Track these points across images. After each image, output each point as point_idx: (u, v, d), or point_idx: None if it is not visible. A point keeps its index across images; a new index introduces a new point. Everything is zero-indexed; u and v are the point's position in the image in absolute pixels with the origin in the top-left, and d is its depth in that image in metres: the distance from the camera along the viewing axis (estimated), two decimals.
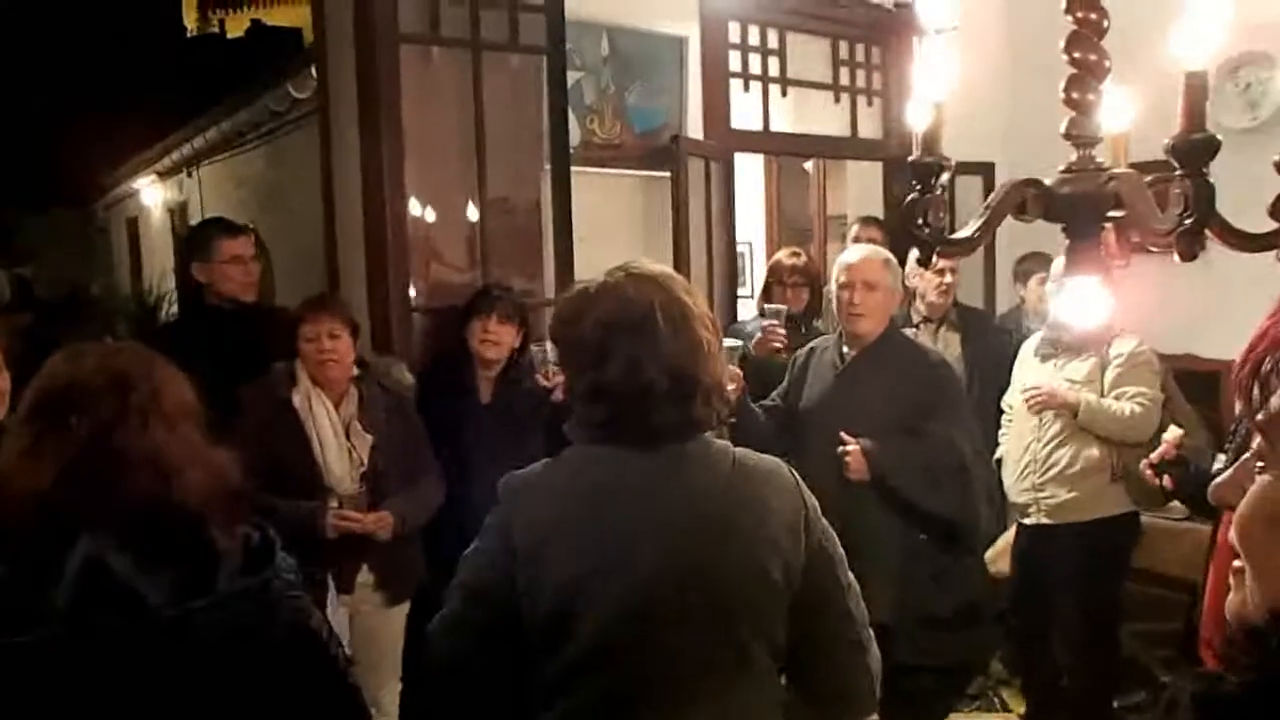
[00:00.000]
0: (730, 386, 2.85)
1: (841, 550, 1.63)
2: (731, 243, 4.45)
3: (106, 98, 10.10)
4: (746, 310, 4.60)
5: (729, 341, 3.07)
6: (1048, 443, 3.50)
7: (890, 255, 3.18)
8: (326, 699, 1.46)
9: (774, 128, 4.69)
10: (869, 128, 5.01)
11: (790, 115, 4.99)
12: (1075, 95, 1.48)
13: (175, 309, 7.81)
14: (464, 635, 1.54)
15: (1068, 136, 1.50)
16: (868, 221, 4.57)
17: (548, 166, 3.77)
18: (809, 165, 6.52)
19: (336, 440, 2.93)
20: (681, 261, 3.88)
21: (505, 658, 1.52)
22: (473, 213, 3.71)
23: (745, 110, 4.53)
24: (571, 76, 3.86)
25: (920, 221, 1.43)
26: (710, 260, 4.17)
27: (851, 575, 1.64)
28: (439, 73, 3.66)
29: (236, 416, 2.82)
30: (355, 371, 3.03)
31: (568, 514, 1.52)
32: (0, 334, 2.42)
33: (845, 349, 3.13)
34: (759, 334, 3.53)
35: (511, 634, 1.50)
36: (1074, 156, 1.50)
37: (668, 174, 4.00)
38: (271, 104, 7.00)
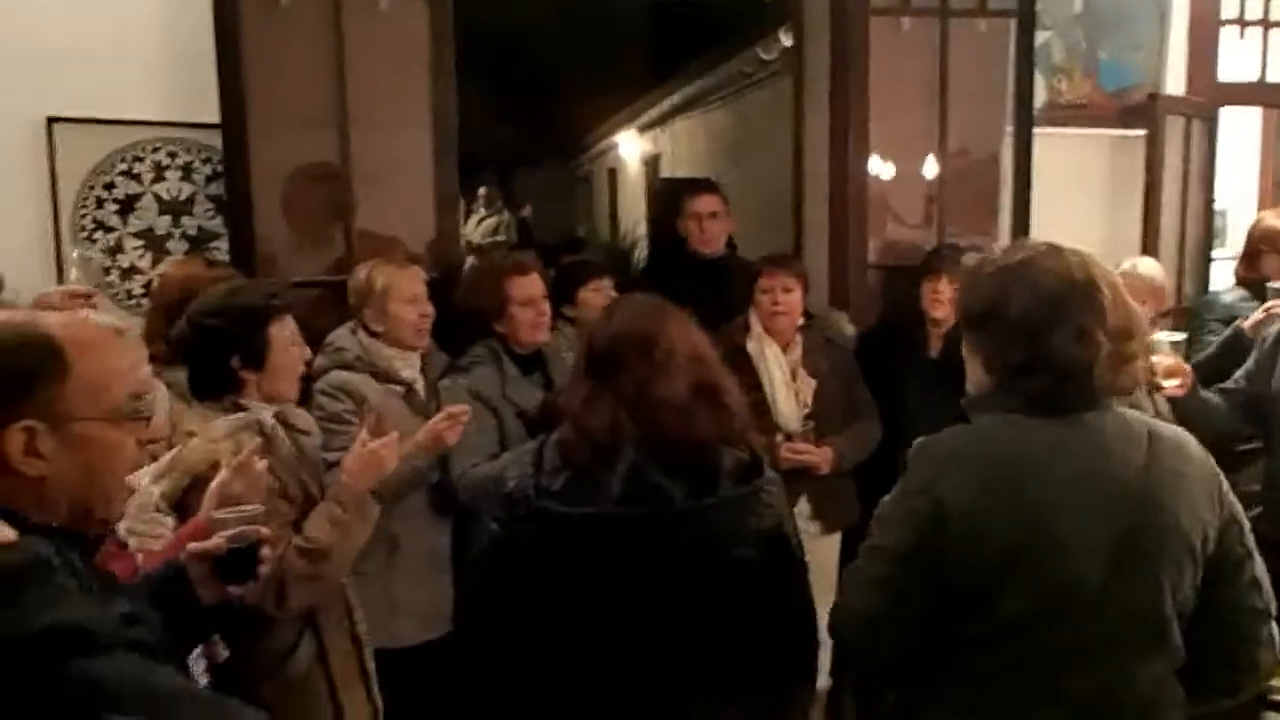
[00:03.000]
0: (1173, 382, 2.80)
1: (1246, 519, 1.63)
2: (1208, 205, 4.16)
3: (593, 60, 11.31)
4: (1222, 275, 4.27)
5: (1174, 336, 2.98)
6: None
7: None
8: (787, 586, 1.76)
9: (1272, 77, 4.27)
10: None
11: None
12: None
13: (645, 253, 8.75)
14: (888, 595, 1.60)
15: None
16: None
17: (1009, 128, 3.80)
18: None
19: (785, 383, 3.24)
20: (1151, 224, 3.74)
21: (923, 616, 1.58)
22: (931, 174, 3.85)
23: (1237, 60, 4.17)
24: (1039, 36, 3.84)
25: None
26: (1183, 223, 3.96)
27: (1253, 540, 1.63)
28: (906, 40, 3.80)
29: None
30: (801, 321, 3.32)
31: (998, 483, 1.54)
32: (544, 275, 3.03)
33: None
34: (1243, 310, 3.30)
35: (932, 595, 1.56)
36: None
37: (1139, 133, 3.84)
38: (740, 65, 7.51)
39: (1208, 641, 1.59)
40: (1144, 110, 3.87)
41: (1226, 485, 1.61)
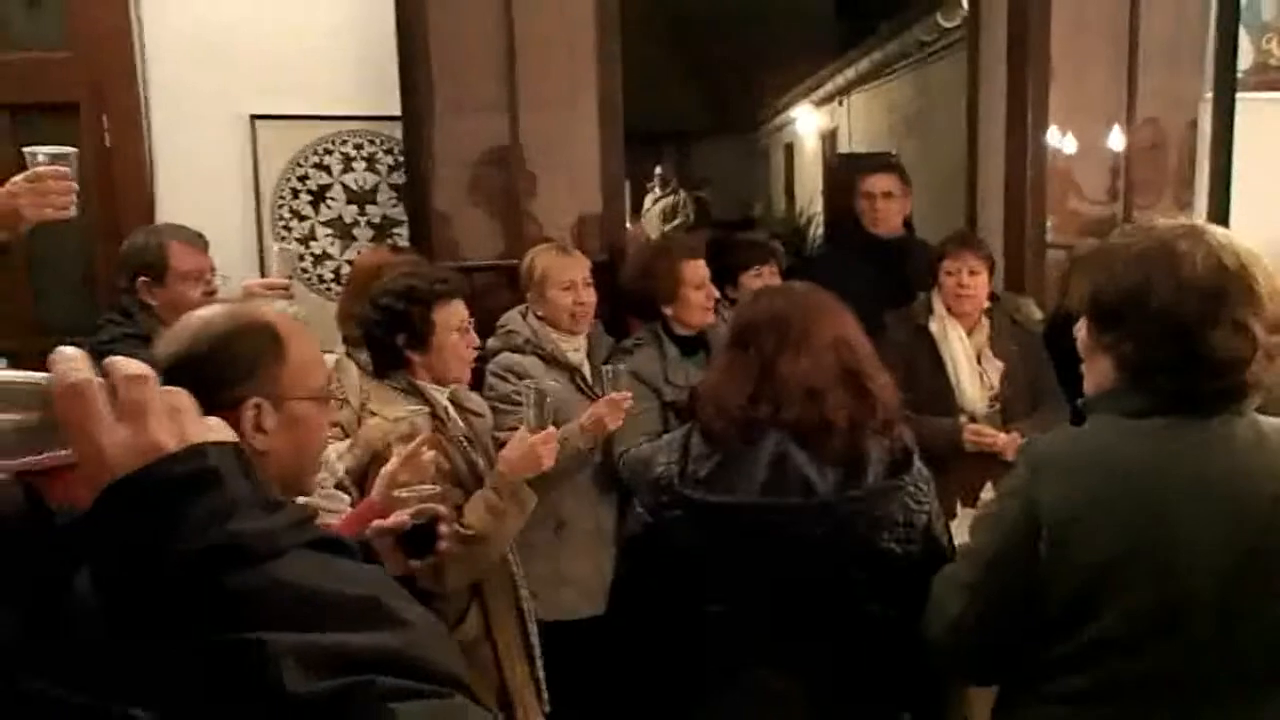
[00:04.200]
0: None
1: None
2: None
3: (775, 31, 11.17)
4: None
5: None
6: None
7: None
8: (923, 577, 1.71)
9: None
10: None
11: None
12: None
13: (820, 230, 8.63)
14: (975, 601, 1.52)
15: None
16: None
17: (1208, 94, 3.53)
18: None
19: (969, 365, 3.16)
20: None
21: (1015, 623, 1.49)
22: (1117, 145, 3.64)
23: None
24: None
25: None
26: None
27: None
28: (1090, 2, 3.61)
29: (879, 338, 3.18)
30: (987, 304, 3.21)
31: (1102, 492, 1.43)
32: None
33: None
34: None
35: (1026, 604, 1.46)
36: None
37: None
38: (920, 34, 7.28)
39: None
40: None
41: None
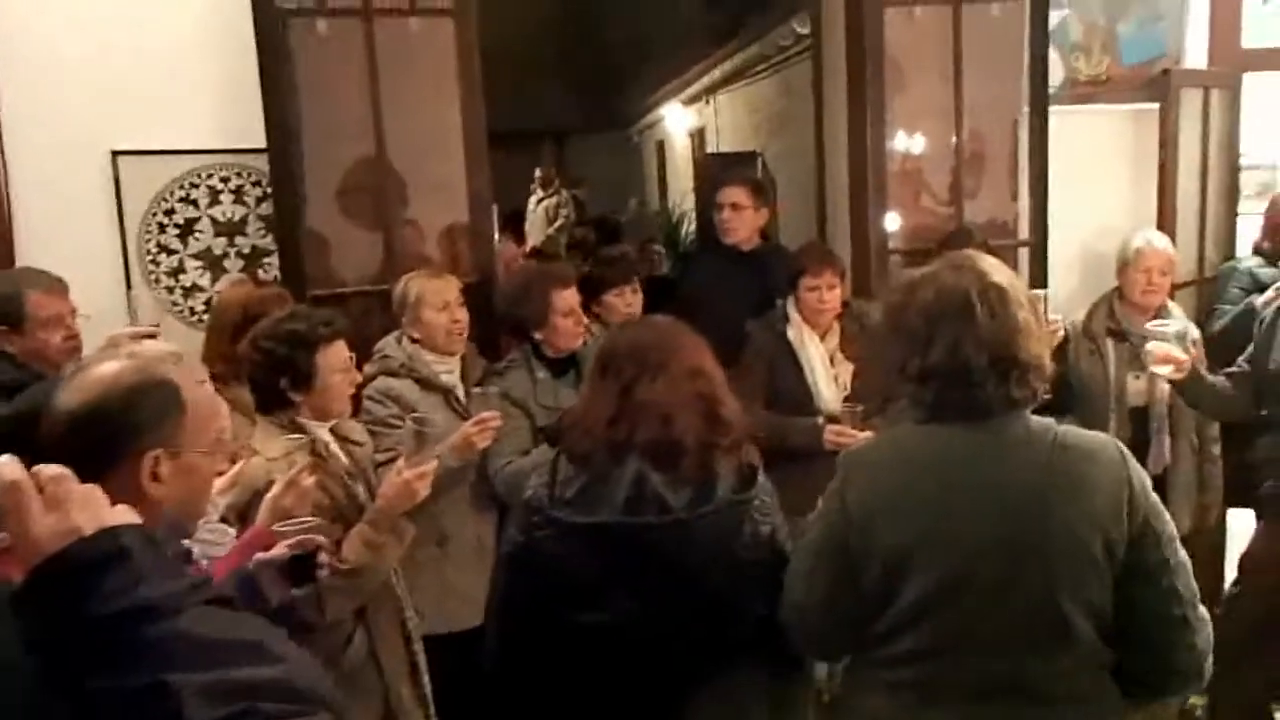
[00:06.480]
0: (1165, 369, 2.89)
1: (1172, 528, 1.67)
2: (1233, 176, 4.17)
3: (642, 31, 11.34)
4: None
5: (1164, 324, 3.05)
6: None
7: None
8: (772, 580, 1.88)
9: None
10: None
11: None
12: None
13: (694, 227, 8.88)
14: (813, 587, 1.76)
15: None
16: None
17: (1025, 109, 3.85)
18: None
19: (824, 369, 3.37)
20: (1166, 199, 3.79)
21: (848, 604, 1.73)
22: (949, 156, 3.91)
23: (1265, 26, 4.16)
24: (1056, 15, 3.87)
25: None
26: (1204, 197, 3.98)
27: (1183, 553, 1.66)
28: (920, 25, 3.85)
29: (745, 348, 3.37)
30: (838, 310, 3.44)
31: (896, 487, 1.69)
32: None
33: None
34: (1262, 276, 3.37)
35: (849, 589, 1.72)
36: None
37: (1156, 106, 3.87)
38: (778, 39, 7.57)
39: (1133, 643, 1.66)
40: (1160, 84, 3.89)
41: (1143, 492, 1.66)
